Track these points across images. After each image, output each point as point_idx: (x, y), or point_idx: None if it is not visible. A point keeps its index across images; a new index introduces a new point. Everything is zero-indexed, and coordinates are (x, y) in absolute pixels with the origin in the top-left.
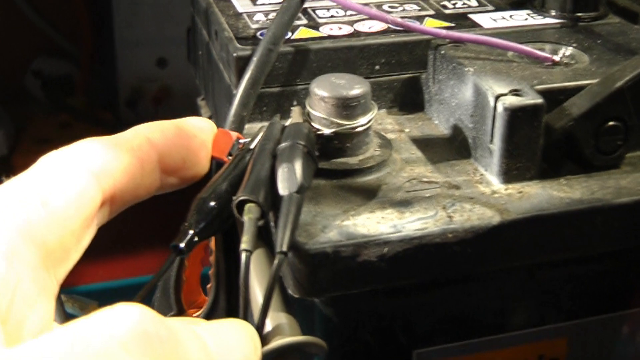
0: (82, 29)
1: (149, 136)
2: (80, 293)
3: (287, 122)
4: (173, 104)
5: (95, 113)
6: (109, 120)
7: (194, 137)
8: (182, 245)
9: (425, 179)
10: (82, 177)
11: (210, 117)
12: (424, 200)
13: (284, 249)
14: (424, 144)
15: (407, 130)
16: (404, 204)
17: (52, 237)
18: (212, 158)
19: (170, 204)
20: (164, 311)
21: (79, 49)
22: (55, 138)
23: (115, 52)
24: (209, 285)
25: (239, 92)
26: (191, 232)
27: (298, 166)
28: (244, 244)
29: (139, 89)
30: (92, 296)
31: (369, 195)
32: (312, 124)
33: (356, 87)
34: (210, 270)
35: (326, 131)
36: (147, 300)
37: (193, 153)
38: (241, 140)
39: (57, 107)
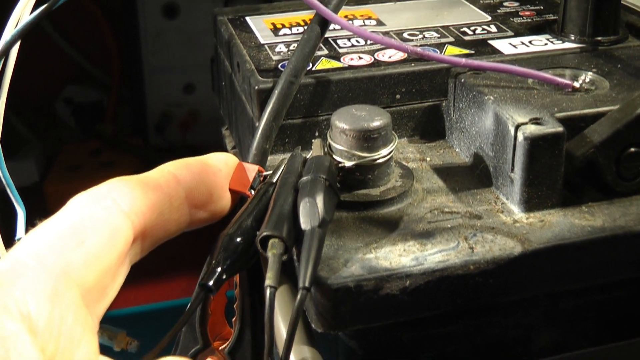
0: (111, 56)
1: (175, 173)
2: (107, 320)
3: (309, 155)
4: (200, 129)
5: (125, 139)
6: (139, 145)
7: (219, 172)
8: (211, 283)
9: (446, 209)
10: (114, 216)
11: (234, 147)
12: (446, 231)
13: (307, 284)
14: (445, 172)
15: (428, 159)
16: (425, 235)
17: (90, 276)
18: (233, 192)
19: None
20: (190, 344)
21: (108, 76)
22: (85, 164)
23: (143, 79)
24: (234, 318)
25: (261, 125)
26: (219, 269)
27: (320, 200)
28: (269, 280)
29: (167, 115)
30: (118, 322)
31: (391, 227)
32: (334, 156)
33: (377, 119)
34: (235, 304)
35: (347, 163)
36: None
37: (219, 187)
38: (263, 173)
39: (88, 134)
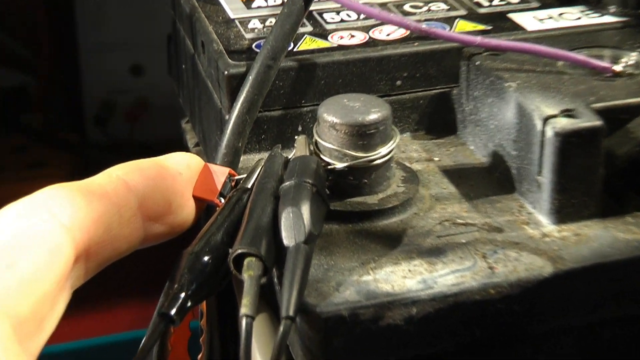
0: (38, 30)
1: (125, 178)
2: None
3: (291, 155)
4: (152, 122)
5: (57, 133)
6: (74, 141)
7: (179, 176)
8: (173, 312)
9: (460, 220)
10: (52, 231)
11: (196, 145)
12: (460, 248)
13: (291, 313)
14: (458, 175)
15: (436, 158)
16: (435, 252)
17: (24, 306)
18: (198, 200)
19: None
20: None
21: (35, 55)
22: (8, 165)
23: (79, 59)
24: (200, 355)
25: (232, 118)
26: (182, 295)
27: (305, 210)
28: (245, 308)
29: (109, 103)
30: (63, 358)
31: (393, 243)
32: (322, 156)
33: (373, 110)
34: (202, 337)
35: (338, 165)
36: None
37: (179, 194)
38: (235, 177)
39: (10, 127)
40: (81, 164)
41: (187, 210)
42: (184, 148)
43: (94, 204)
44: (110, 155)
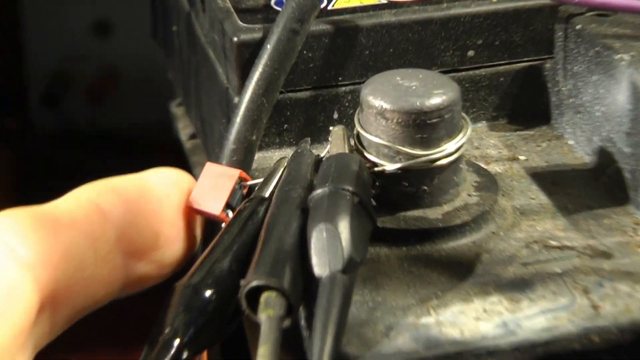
0: None
1: (98, 202)
2: None
3: (324, 152)
4: (125, 102)
5: None
6: (13, 129)
7: (167, 199)
8: None
9: (553, 242)
10: (6, 270)
11: (192, 137)
12: (553, 279)
13: None
14: (551, 180)
15: (522, 157)
16: (519, 285)
17: None
18: (197, 213)
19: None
20: None
21: None
22: None
23: (20, 13)
24: None
25: (244, 101)
26: (176, 342)
27: (344, 227)
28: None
29: (63, 76)
30: None
31: (462, 272)
32: (366, 154)
33: (437, 92)
34: None
35: (389, 167)
36: None
37: (168, 223)
38: (247, 183)
39: None
40: (24, 160)
41: (180, 244)
42: (173, 141)
43: (61, 235)
44: (64, 148)
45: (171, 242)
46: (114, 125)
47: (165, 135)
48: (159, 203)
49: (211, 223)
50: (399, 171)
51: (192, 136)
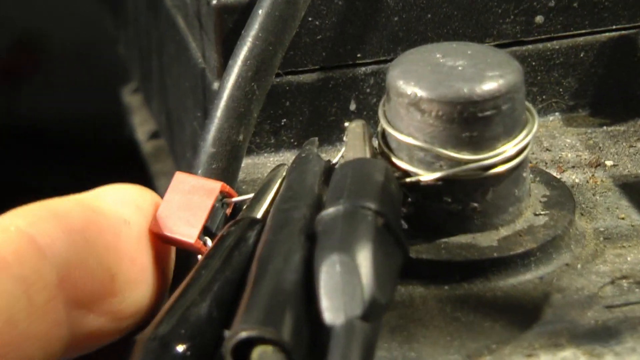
0: None
1: (32, 234)
2: None
3: (338, 157)
4: (51, 84)
5: None
6: None
7: (124, 227)
8: None
9: None
10: None
11: (154, 136)
12: None
13: None
14: None
15: (609, 162)
16: (601, 335)
17: None
18: (165, 241)
19: None
20: None
21: None
22: None
23: None
24: None
25: (228, 87)
26: None
27: (365, 259)
28: None
29: None
30: None
31: (524, 319)
32: (394, 160)
33: (491, 74)
34: None
35: (426, 177)
36: None
37: (127, 260)
38: (232, 200)
39: None
40: None
41: (144, 287)
42: (126, 142)
43: None
44: None
45: (132, 286)
46: (35, 118)
47: (112, 133)
48: (114, 233)
49: (184, 254)
50: (440, 182)
51: (154, 135)
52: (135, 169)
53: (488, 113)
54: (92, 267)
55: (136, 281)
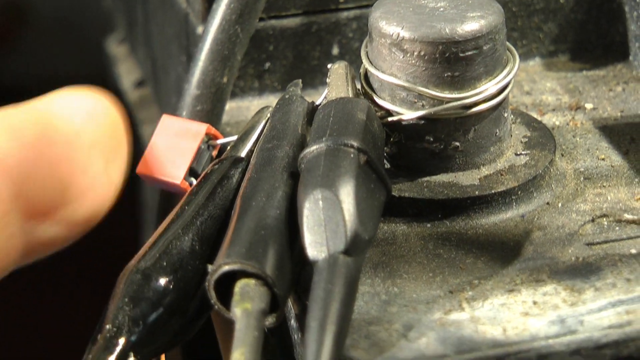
0: None
1: None
2: None
3: (321, 98)
4: (39, 43)
5: None
6: None
7: (76, 137)
8: None
9: (629, 216)
10: None
11: (140, 84)
12: (626, 263)
13: None
14: (629, 136)
15: (589, 105)
16: (581, 271)
17: None
18: (149, 181)
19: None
20: None
21: None
22: None
23: None
24: None
25: (212, 30)
26: (120, 344)
27: (347, 195)
28: None
29: None
30: None
31: (505, 256)
32: (377, 100)
33: (472, 15)
34: None
35: (408, 115)
36: None
37: (80, 170)
38: (218, 142)
39: None
40: None
41: (95, 195)
42: (113, 90)
43: None
44: None
45: (84, 194)
46: (24, 78)
47: (98, 85)
48: (66, 143)
49: (167, 196)
50: (422, 121)
51: (140, 84)
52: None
53: (469, 53)
54: (45, 178)
55: (88, 190)
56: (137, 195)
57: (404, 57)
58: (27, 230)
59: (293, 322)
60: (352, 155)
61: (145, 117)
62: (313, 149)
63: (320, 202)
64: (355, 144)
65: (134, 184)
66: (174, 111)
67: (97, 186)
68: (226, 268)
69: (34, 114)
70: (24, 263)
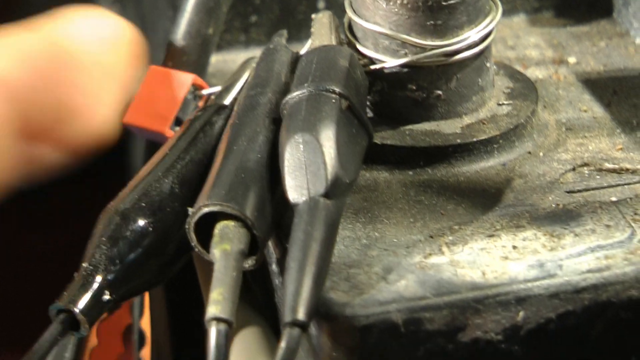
0: None
1: None
2: None
3: (305, 47)
4: (29, 4)
5: None
6: None
7: (85, 62)
8: (78, 309)
9: (609, 165)
10: None
11: None
12: (606, 210)
13: (300, 317)
14: (611, 88)
15: (572, 59)
16: (561, 217)
17: None
18: (134, 129)
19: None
20: None
21: None
22: None
23: None
24: None
25: None
26: (98, 280)
27: (328, 139)
28: (215, 308)
29: None
30: None
31: (486, 202)
32: (360, 48)
33: None
34: (143, 349)
35: (391, 63)
36: None
37: (81, 91)
38: (204, 92)
39: None
40: None
41: (93, 116)
42: None
43: None
44: None
45: (82, 115)
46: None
47: None
48: (74, 68)
49: (149, 141)
50: (404, 69)
51: None
52: None
53: (452, 2)
54: (47, 101)
55: (88, 111)
56: (126, 151)
57: (387, 5)
58: (26, 150)
59: (274, 267)
60: (333, 101)
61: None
62: (295, 94)
63: (301, 146)
64: (337, 89)
65: (124, 141)
66: (161, 61)
67: (97, 108)
68: (206, 209)
69: (47, 38)
70: (24, 185)
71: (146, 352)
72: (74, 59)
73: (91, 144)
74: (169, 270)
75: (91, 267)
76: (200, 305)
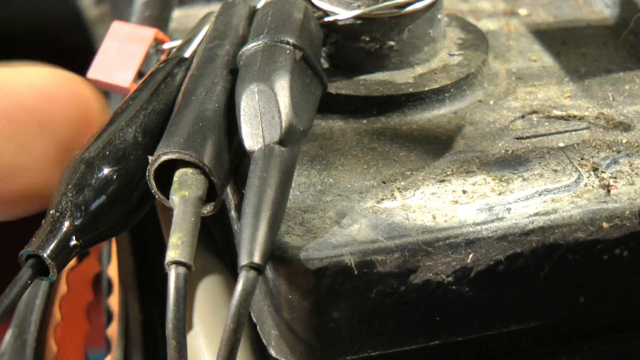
0: None
1: None
2: None
3: (263, 0)
4: None
5: None
6: None
7: (34, 113)
8: (46, 253)
9: (557, 112)
10: None
11: (99, 1)
12: (553, 155)
13: (256, 260)
14: (560, 38)
15: (523, 11)
16: (510, 163)
17: None
18: (98, 84)
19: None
20: None
21: None
22: None
23: None
24: (109, 329)
25: None
26: (64, 226)
27: (282, 88)
28: (174, 252)
29: None
30: None
31: (437, 149)
32: (314, 1)
33: None
34: (110, 299)
35: (344, 15)
36: None
37: (21, 146)
38: (165, 46)
39: None
40: None
41: (31, 175)
42: (74, 8)
43: None
44: None
45: (18, 173)
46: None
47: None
48: (13, 120)
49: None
50: (358, 21)
51: (99, 1)
52: (78, 35)
53: None
54: None
55: (24, 169)
56: None
57: None
58: None
59: (233, 213)
60: (288, 51)
61: (105, 32)
62: (251, 46)
63: (256, 95)
64: (291, 40)
65: None
66: (125, 17)
67: (36, 167)
68: (165, 157)
69: None
70: None
71: (114, 299)
72: (12, 110)
73: (25, 199)
74: (133, 217)
75: (58, 214)
76: (163, 251)
